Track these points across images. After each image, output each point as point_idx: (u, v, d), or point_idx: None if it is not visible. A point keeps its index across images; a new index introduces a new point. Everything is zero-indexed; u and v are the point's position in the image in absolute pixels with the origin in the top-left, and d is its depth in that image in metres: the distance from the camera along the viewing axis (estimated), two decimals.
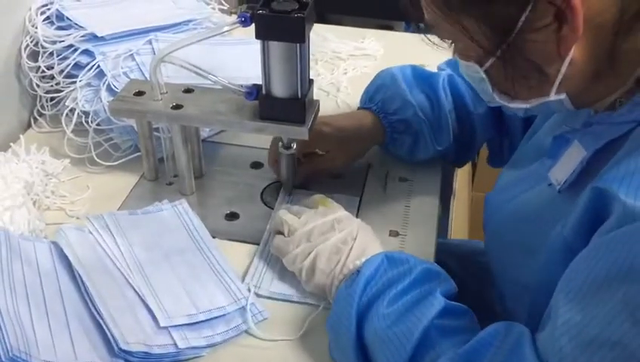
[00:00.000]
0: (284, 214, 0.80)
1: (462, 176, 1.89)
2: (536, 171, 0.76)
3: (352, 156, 0.96)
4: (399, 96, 0.95)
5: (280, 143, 0.89)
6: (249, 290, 0.77)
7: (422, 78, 0.97)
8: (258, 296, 0.77)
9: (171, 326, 0.71)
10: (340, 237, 0.76)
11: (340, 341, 0.68)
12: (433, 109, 0.95)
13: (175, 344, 0.70)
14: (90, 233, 0.80)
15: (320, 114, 0.88)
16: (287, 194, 0.92)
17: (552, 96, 0.64)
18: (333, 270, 0.73)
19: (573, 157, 0.66)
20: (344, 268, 0.73)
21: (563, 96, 0.64)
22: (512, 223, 0.76)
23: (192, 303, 0.74)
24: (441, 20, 0.63)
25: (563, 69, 0.61)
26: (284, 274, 0.79)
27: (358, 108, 1.00)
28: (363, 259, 0.72)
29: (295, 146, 0.89)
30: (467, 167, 1.95)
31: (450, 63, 1.01)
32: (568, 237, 0.62)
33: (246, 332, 0.73)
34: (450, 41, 0.67)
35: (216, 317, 0.73)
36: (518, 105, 0.67)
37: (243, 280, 0.79)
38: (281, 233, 0.80)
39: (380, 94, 0.96)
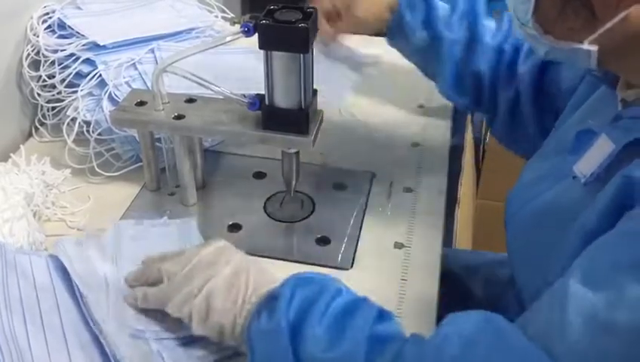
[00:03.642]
0: (161, 263, 0.72)
1: (466, 184, 1.88)
2: (557, 167, 0.74)
3: (369, 11, 0.99)
4: None
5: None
6: None
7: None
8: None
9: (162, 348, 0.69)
10: (228, 271, 0.68)
11: None
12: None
13: None
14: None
15: (323, 124, 0.87)
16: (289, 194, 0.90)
17: (585, 45, 0.61)
18: (233, 308, 0.66)
19: (600, 151, 0.64)
20: (246, 304, 0.66)
21: (595, 48, 0.61)
22: (536, 222, 0.74)
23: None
24: None
25: (614, 20, 0.58)
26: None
27: None
28: (264, 291, 0.66)
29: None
30: (471, 175, 1.94)
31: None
32: (591, 225, 0.61)
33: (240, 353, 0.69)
34: None
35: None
36: (546, 42, 0.64)
37: None
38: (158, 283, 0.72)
39: None
